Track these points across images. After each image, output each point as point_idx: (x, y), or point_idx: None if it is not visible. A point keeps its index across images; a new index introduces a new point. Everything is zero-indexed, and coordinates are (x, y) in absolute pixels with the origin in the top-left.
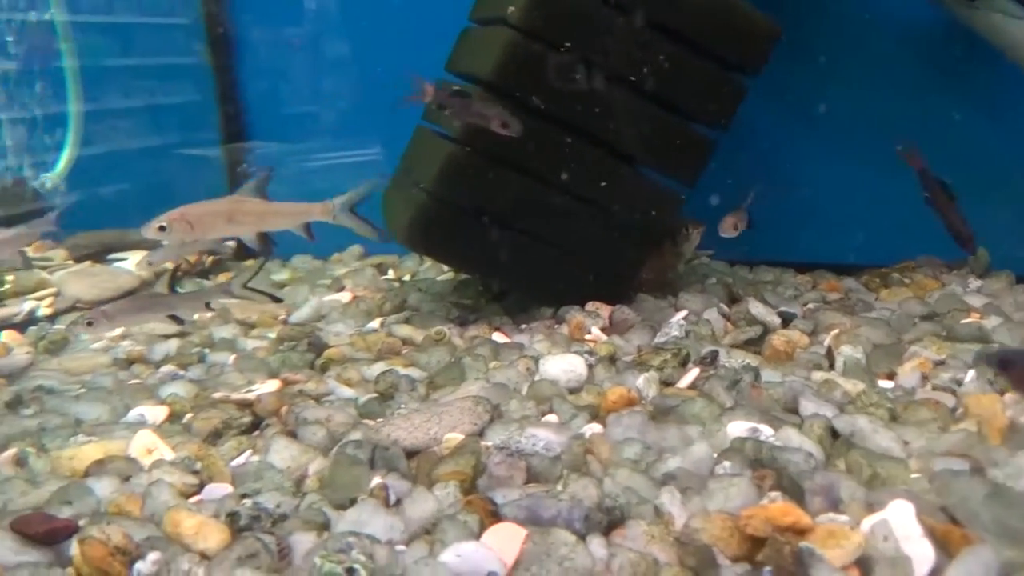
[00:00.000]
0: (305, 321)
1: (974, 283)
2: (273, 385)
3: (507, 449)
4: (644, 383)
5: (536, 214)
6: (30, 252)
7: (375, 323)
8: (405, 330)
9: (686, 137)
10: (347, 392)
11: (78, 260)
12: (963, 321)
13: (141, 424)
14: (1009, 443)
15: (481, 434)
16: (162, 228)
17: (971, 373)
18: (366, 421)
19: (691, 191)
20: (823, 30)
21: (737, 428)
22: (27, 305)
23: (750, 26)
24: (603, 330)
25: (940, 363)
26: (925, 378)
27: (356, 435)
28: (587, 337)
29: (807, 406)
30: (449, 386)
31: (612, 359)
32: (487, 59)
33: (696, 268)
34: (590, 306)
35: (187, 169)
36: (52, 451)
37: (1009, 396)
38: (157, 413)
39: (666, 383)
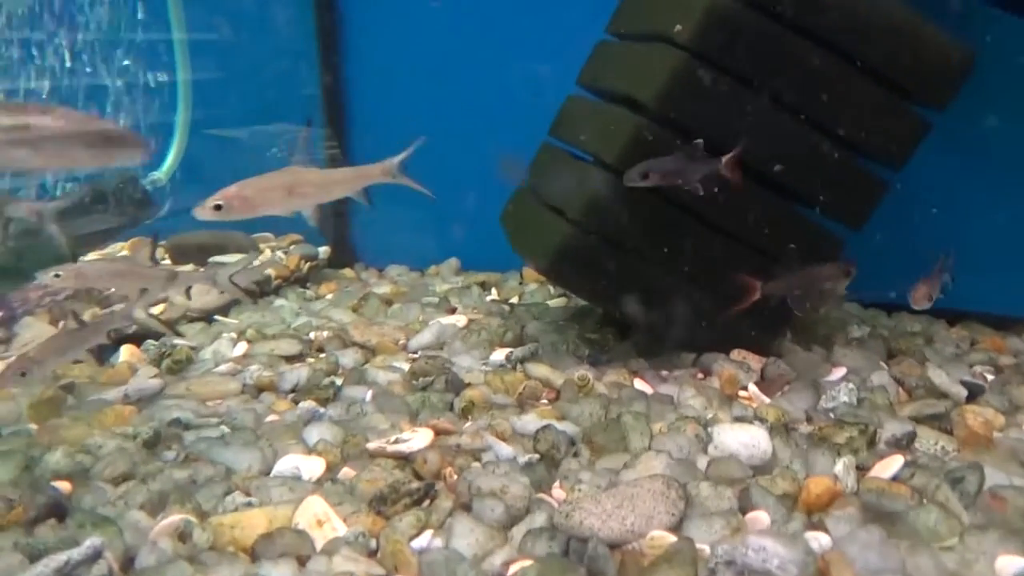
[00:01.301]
0: (427, 347)
1: None
2: (426, 436)
3: (735, 564)
4: (843, 470)
5: (689, 252)
6: (125, 251)
7: (500, 355)
8: (541, 370)
9: (859, 177)
10: (506, 450)
11: (178, 263)
12: None
13: (297, 480)
14: None
15: (679, 527)
16: (218, 207)
17: None
18: (541, 495)
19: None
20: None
21: (1010, 565)
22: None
23: (940, 56)
24: (758, 385)
25: None
26: None
27: (541, 517)
28: (741, 394)
29: None
30: (614, 451)
31: (786, 428)
32: (647, 81)
33: (830, 311)
34: (736, 355)
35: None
36: (211, 516)
37: None
38: (312, 466)
39: (859, 467)
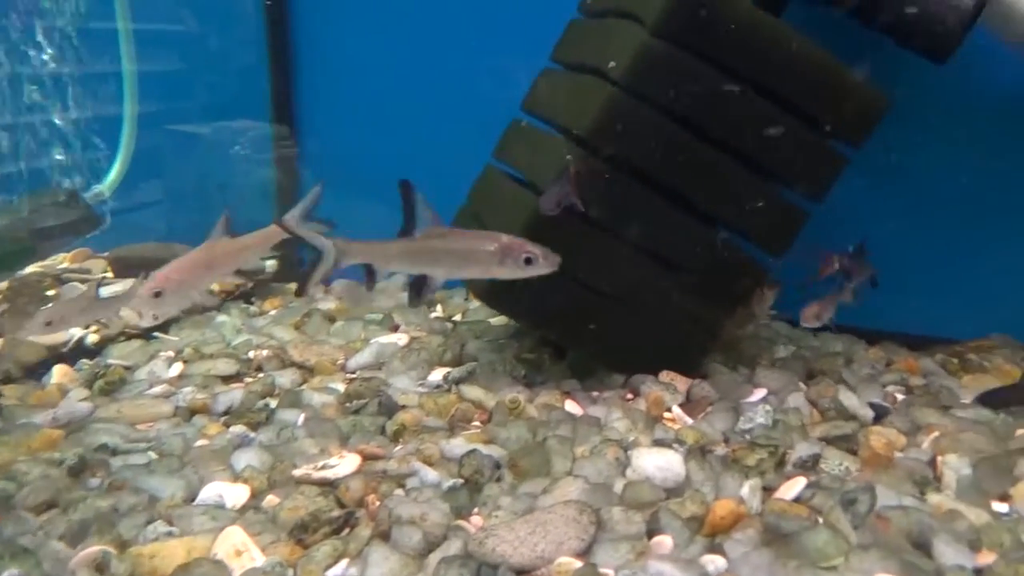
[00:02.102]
0: (366, 367)
1: None
2: (353, 462)
3: None
4: (749, 492)
5: (618, 275)
6: (66, 262)
7: (438, 375)
8: (475, 392)
9: (781, 208)
10: (431, 475)
11: (121, 275)
12: None
13: (220, 508)
14: None
15: (587, 552)
16: (158, 294)
17: None
18: (460, 522)
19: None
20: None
21: None
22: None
23: (860, 99)
24: (682, 407)
25: None
26: None
27: (457, 544)
28: (666, 415)
29: (944, 551)
30: (536, 476)
31: (702, 451)
32: (582, 112)
33: (760, 331)
34: (664, 376)
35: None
36: (131, 547)
37: None
38: (236, 493)
39: (766, 488)
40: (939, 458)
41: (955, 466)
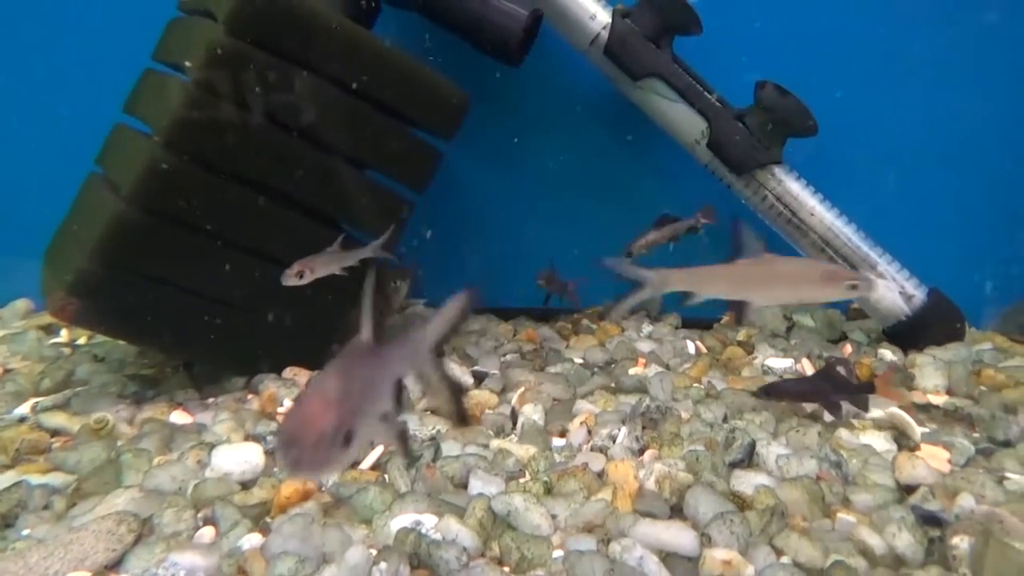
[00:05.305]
0: None
1: (646, 328)
2: None
3: None
4: None
5: (219, 277)
6: None
7: (25, 408)
8: (58, 418)
9: (381, 198)
10: None
11: None
12: (630, 371)
13: None
14: (638, 509)
15: (119, 564)
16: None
17: (623, 430)
18: None
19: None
20: (521, 97)
21: (402, 520)
22: None
23: (440, 95)
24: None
25: (603, 418)
26: (590, 433)
27: None
28: (280, 410)
29: (475, 484)
30: (99, 494)
31: None
32: (162, 111)
33: (409, 318)
34: (288, 372)
35: None
36: None
37: (648, 454)
38: None
39: (352, 464)
40: (518, 408)
41: (528, 413)
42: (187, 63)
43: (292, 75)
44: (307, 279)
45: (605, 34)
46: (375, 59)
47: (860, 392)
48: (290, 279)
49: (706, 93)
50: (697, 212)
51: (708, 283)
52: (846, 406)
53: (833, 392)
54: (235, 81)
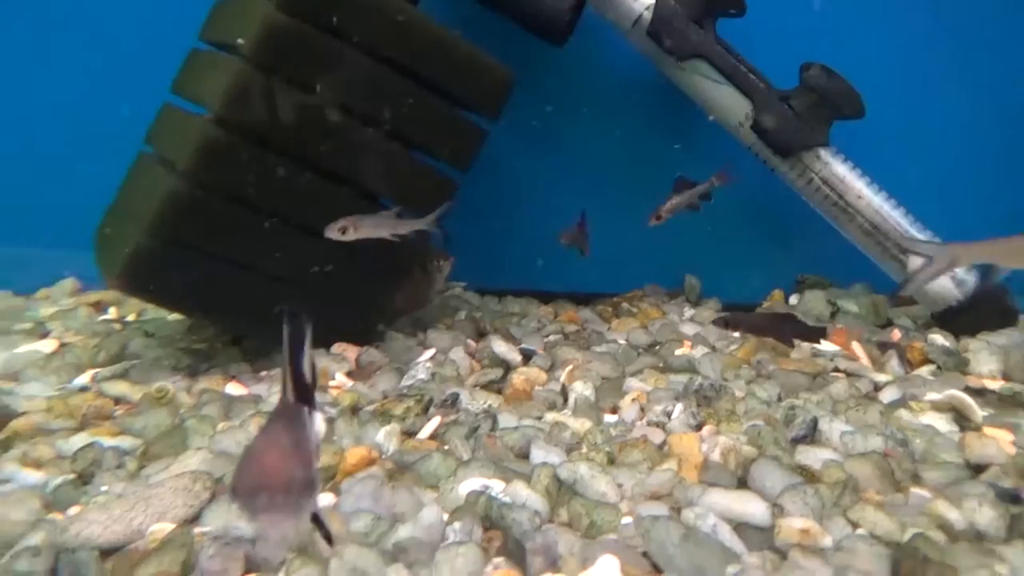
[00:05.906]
0: None
1: (688, 311)
2: None
3: (224, 538)
4: (384, 437)
5: (271, 253)
6: None
7: (84, 378)
8: (120, 387)
9: (428, 177)
10: (32, 477)
11: None
12: (677, 352)
13: None
14: (704, 480)
15: (197, 518)
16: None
17: (679, 406)
18: (55, 515)
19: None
20: (561, 76)
21: (470, 485)
22: None
23: (487, 73)
24: (348, 375)
25: (655, 395)
26: (643, 410)
27: (35, 537)
28: (332, 384)
29: (537, 454)
30: (167, 456)
31: (355, 409)
32: (215, 89)
33: (448, 300)
34: (337, 348)
35: None
36: None
37: (707, 430)
38: None
39: (409, 434)
40: (568, 385)
41: (579, 390)
42: (239, 40)
43: (343, 52)
44: (350, 236)
45: (648, 15)
46: (423, 37)
47: (812, 332)
48: (332, 231)
49: (751, 75)
50: (712, 175)
51: (1003, 256)
52: None
53: (789, 330)
54: (287, 58)
